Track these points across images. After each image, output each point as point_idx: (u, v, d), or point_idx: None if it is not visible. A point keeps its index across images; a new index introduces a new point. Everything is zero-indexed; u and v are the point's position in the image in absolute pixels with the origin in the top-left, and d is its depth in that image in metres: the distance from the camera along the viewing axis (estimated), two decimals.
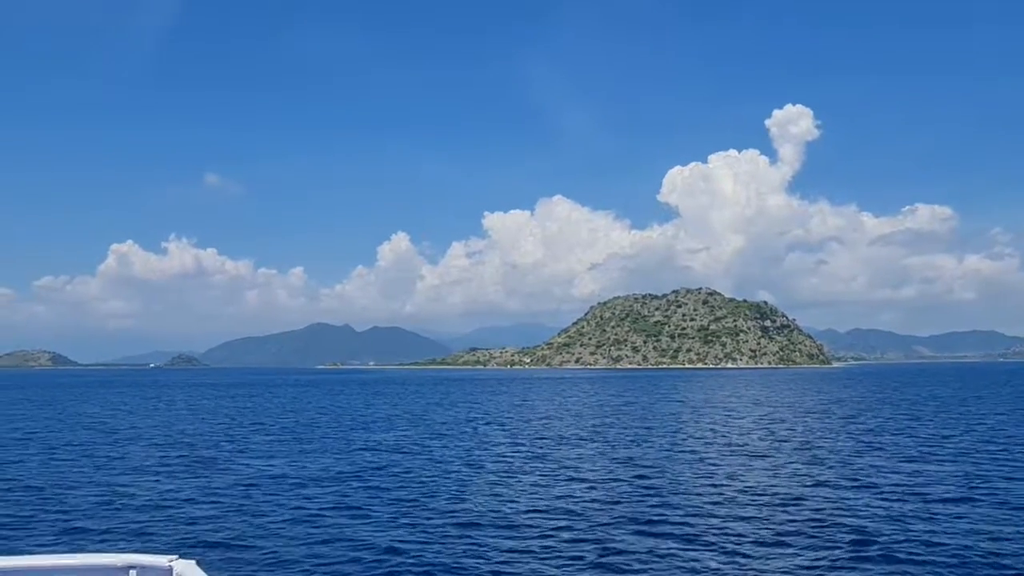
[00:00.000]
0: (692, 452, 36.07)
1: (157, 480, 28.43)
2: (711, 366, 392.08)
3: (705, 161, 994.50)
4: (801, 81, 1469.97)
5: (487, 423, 54.90)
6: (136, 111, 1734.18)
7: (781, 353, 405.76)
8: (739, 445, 38.89)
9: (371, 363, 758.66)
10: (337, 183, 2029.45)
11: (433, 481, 27.92)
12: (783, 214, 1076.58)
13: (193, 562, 4.76)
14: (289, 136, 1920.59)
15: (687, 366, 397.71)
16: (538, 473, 29.84)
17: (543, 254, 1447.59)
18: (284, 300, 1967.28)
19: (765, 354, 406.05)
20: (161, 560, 4.77)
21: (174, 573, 4.72)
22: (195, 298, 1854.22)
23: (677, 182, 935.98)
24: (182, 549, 17.49)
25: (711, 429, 48.66)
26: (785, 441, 40.69)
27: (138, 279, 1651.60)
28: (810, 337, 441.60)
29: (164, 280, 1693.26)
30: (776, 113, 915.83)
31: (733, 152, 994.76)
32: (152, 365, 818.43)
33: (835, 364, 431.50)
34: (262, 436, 45.29)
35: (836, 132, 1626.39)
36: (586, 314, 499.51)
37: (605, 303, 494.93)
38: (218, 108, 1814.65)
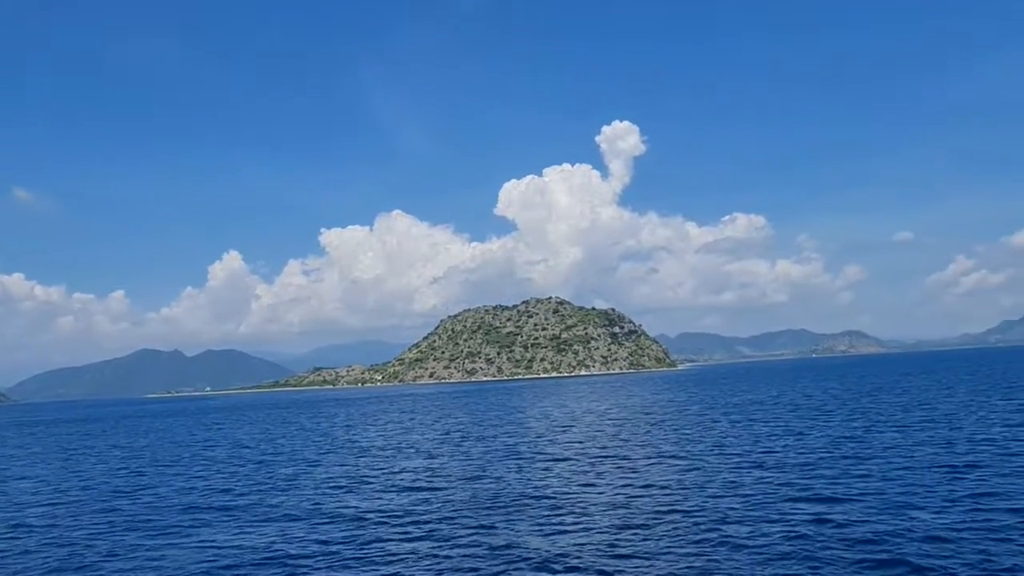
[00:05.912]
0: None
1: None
2: (565, 375, 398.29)
3: (540, 174, 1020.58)
4: (629, 97, 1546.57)
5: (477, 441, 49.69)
6: None
7: (631, 358, 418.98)
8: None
9: (207, 389, 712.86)
10: (164, 201, 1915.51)
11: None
12: (616, 225, 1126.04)
13: None
14: (112, 150, 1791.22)
15: (542, 375, 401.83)
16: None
17: (383, 269, 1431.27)
18: (104, 326, 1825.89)
19: (616, 360, 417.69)
20: None
21: None
22: None
23: (513, 196, 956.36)
24: None
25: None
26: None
27: None
28: (656, 342, 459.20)
29: None
30: (605, 129, 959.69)
31: (567, 166, 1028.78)
32: None
33: (680, 367, 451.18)
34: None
35: (662, 146, 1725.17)
36: (436, 328, 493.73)
37: (455, 316, 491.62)
38: (29, 117, 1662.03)
